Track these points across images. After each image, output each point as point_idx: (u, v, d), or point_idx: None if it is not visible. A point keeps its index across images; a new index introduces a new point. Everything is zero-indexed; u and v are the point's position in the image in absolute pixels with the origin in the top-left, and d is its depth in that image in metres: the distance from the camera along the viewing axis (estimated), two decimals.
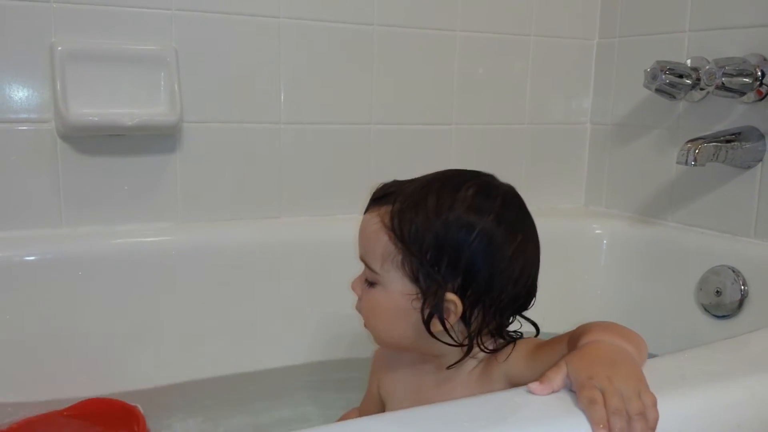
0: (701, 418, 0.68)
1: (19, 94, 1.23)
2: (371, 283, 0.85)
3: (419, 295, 0.80)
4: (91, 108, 1.24)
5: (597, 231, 1.59)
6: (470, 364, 0.86)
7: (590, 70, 1.71)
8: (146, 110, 1.28)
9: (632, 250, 1.54)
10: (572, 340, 0.76)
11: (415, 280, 0.81)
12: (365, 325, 0.88)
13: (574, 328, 0.78)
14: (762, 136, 1.32)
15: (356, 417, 0.83)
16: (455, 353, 0.83)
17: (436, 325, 0.80)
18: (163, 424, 1.15)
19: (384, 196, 0.86)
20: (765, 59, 1.29)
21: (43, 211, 1.27)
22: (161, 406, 1.20)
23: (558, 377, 0.68)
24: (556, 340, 0.80)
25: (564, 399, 0.66)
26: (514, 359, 0.82)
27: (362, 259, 0.86)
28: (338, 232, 1.45)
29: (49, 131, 1.25)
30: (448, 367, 0.84)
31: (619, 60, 1.64)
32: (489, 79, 1.61)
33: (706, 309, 1.35)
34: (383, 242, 0.82)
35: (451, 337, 0.81)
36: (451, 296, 0.79)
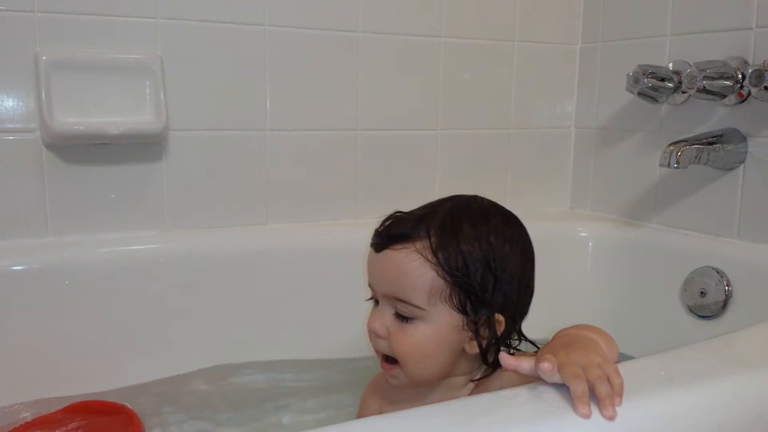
0: (685, 418, 0.68)
1: (4, 104, 1.22)
2: (406, 319, 0.85)
3: (465, 324, 0.84)
4: (76, 117, 1.24)
5: (582, 234, 1.60)
6: (469, 386, 0.89)
7: (574, 75, 1.72)
8: (132, 119, 1.28)
9: (618, 252, 1.55)
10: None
11: (462, 309, 0.83)
12: (401, 363, 0.86)
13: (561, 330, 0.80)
14: (744, 138, 1.34)
15: None
16: (480, 369, 0.88)
17: (473, 348, 0.85)
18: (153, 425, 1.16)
19: (407, 232, 0.85)
20: (745, 62, 1.31)
21: (29, 220, 1.26)
22: (149, 411, 1.19)
23: (527, 360, 0.70)
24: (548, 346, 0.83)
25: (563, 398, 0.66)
26: (508, 374, 0.84)
27: (392, 297, 0.85)
28: (325, 239, 1.47)
29: (34, 141, 1.24)
30: (476, 381, 0.88)
31: (602, 64, 1.66)
32: (474, 85, 1.61)
33: (691, 310, 1.36)
34: (429, 278, 0.83)
35: (489, 354, 0.85)
36: (499, 317, 0.84)
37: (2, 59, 1.21)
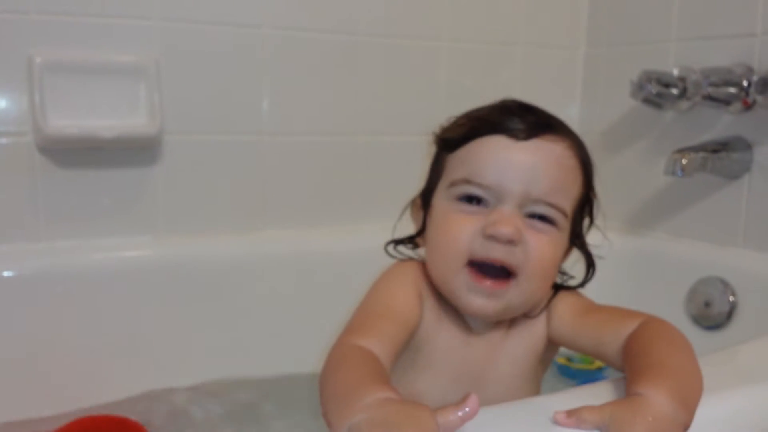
0: (690, 430, 0.66)
1: None
2: (539, 225, 0.75)
3: (567, 240, 0.80)
4: (69, 120, 1.22)
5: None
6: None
7: (577, 80, 1.71)
8: (126, 122, 1.26)
9: (621, 260, 1.52)
10: (630, 351, 0.71)
11: (578, 229, 0.81)
12: (523, 277, 0.75)
13: (632, 317, 0.77)
14: (749, 146, 1.32)
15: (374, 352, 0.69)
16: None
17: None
18: None
19: (557, 123, 0.78)
20: (750, 69, 1.29)
21: (22, 225, 1.25)
22: (144, 420, 1.17)
23: (593, 420, 0.59)
24: (607, 311, 0.80)
25: None
26: (560, 312, 0.81)
27: (536, 198, 0.75)
28: (324, 245, 1.45)
29: (27, 144, 1.23)
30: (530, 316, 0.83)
31: (606, 69, 1.64)
32: (476, 89, 1.59)
33: (696, 320, 1.34)
34: (578, 181, 0.78)
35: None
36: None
37: None
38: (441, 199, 0.81)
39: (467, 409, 0.56)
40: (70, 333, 1.23)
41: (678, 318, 1.36)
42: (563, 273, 0.87)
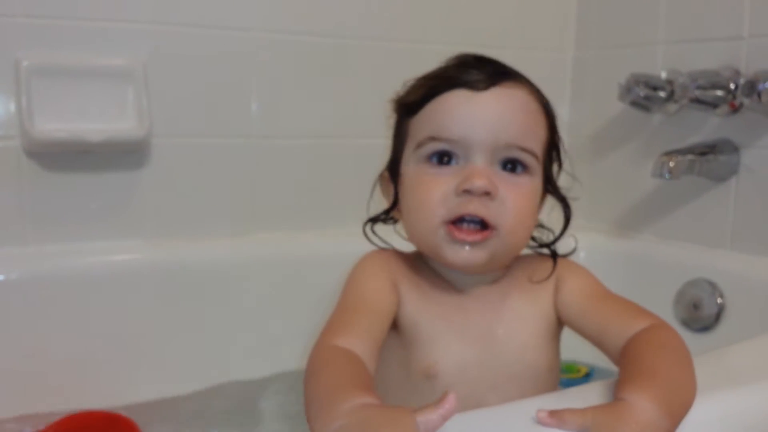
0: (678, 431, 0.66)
1: None
2: (515, 173, 0.75)
3: (542, 187, 0.81)
4: (57, 124, 1.22)
5: (574, 244, 1.58)
6: (507, 277, 0.85)
7: (566, 83, 1.71)
8: (114, 125, 1.25)
9: (610, 263, 1.52)
10: (627, 353, 0.71)
11: (549, 171, 0.81)
12: (502, 228, 0.74)
13: (643, 317, 0.77)
14: (736, 149, 1.32)
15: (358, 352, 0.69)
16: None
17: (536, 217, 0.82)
18: None
19: (513, 71, 0.79)
20: (737, 72, 1.30)
21: (8, 229, 1.23)
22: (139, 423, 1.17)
23: (575, 422, 0.58)
24: (621, 303, 0.80)
25: None
26: (572, 288, 0.82)
27: (508, 144, 0.75)
28: (313, 247, 1.44)
29: (14, 148, 1.22)
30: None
31: (595, 72, 1.64)
32: None
33: (684, 322, 1.34)
34: (543, 124, 0.79)
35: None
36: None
37: None
38: (410, 164, 0.81)
39: (447, 406, 0.55)
40: (58, 338, 1.22)
41: (666, 320, 1.36)
42: (541, 226, 0.87)
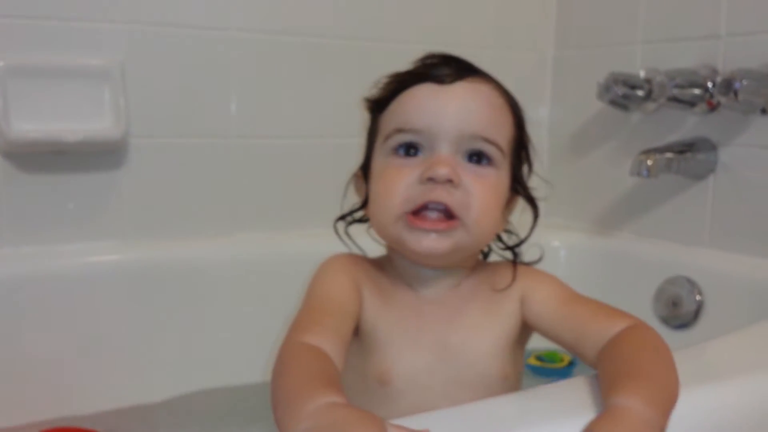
0: None
1: None
2: (479, 165, 0.77)
3: (509, 182, 0.82)
4: (33, 124, 1.20)
5: (555, 243, 1.59)
6: (468, 283, 0.85)
7: (546, 83, 1.71)
8: (90, 126, 1.24)
9: (590, 262, 1.53)
10: (609, 355, 0.71)
11: (517, 169, 0.82)
12: (466, 217, 0.75)
13: (621, 318, 0.77)
14: (714, 147, 1.33)
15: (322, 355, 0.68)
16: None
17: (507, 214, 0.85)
18: None
19: (477, 68, 0.80)
20: (715, 70, 1.31)
21: None
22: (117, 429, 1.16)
23: None
24: (594, 305, 0.80)
25: None
26: (543, 297, 0.81)
27: (473, 135, 0.76)
28: (294, 249, 1.43)
29: None
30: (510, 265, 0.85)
31: (575, 72, 1.65)
32: None
33: (664, 320, 1.35)
34: (509, 120, 0.80)
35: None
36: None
37: None
38: (378, 158, 0.82)
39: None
40: (35, 341, 1.20)
41: (646, 318, 1.36)
42: (509, 231, 0.88)
